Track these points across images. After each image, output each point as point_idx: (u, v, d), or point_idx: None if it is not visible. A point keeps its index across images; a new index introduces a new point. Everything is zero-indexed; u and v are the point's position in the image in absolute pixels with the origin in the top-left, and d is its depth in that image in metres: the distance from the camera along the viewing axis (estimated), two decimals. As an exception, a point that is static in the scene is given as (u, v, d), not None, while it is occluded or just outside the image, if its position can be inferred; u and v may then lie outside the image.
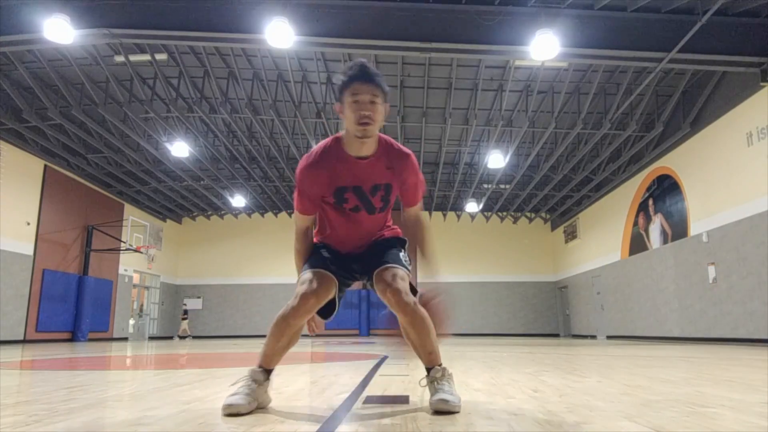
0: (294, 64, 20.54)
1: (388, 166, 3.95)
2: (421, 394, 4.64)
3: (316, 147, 3.99)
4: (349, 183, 3.92)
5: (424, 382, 3.91)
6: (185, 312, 39.25)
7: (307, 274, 3.98)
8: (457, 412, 3.52)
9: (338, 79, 3.83)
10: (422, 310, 3.88)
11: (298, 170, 3.99)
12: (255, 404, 3.80)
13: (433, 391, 3.74)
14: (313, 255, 4.18)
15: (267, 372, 4.06)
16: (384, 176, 3.96)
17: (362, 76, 3.73)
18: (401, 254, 4.16)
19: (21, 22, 16.00)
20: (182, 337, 37.32)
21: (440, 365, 3.88)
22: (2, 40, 16.56)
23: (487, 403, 4.01)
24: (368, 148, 3.87)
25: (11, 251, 24.17)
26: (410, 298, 3.84)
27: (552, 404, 3.94)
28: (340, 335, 37.63)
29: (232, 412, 3.59)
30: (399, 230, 4.37)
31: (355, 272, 4.23)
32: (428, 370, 3.92)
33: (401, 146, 4.03)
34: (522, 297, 40.80)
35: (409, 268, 4.14)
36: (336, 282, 4.06)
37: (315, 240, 4.34)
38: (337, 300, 4.15)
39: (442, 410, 3.50)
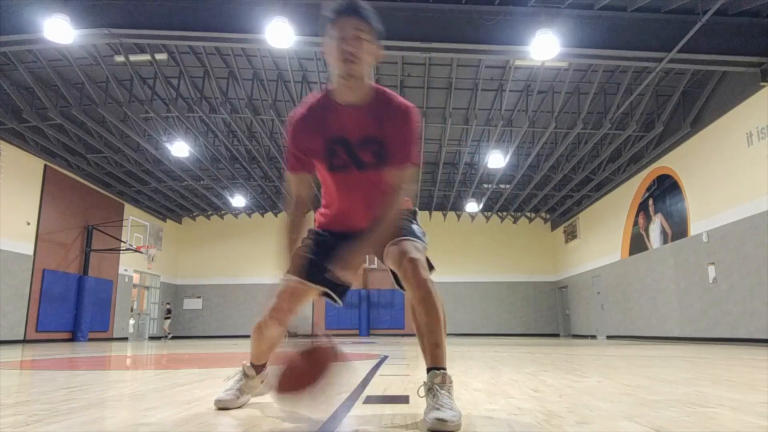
0: (294, 64, 20.54)
1: (378, 117, 3.65)
2: (423, 395, 4.63)
3: (306, 98, 3.83)
4: (336, 132, 3.65)
5: (422, 391, 3.39)
6: (168, 311, 39.15)
7: (283, 286, 3.77)
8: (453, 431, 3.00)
9: (324, 15, 3.56)
10: (437, 292, 3.40)
11: (288, 123, 3.82)
12: (246, 398, 3.89)
13: (431, 403, 3.22)
14: (296, 255, 3.83)
15: (259, 366, 4.06)
16: (375, 128, 3.63)
17: (347, 9, 3.52)
18: (414, 226, 3.79)
19: (21, 22, 16.00)
20: (164, 337, 37.28)
21: (443, 368, 3.37)
22: (2, 40, 16.55)
23: (487, 403, 4.00)
24: (357, 95, 3.65)
25: (11, 251, 24.17)
26: (427, 273, 3.45)
27: (552, 404, 3.94)
28: (340, 335, 37.62)
29: (221, 407, 3.69)
30: (410, 203, 3.92)
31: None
32: (428, 371, 3.42)
33: (403, 100, 3.76)
34: (522, 297, 40.80)
35: (426, 242, 3.74)
36: (315, 288, 3.81)
37: (321, 220, 4.11)
38: (338, 289, 3.88)
39: (438, 430, 2.97)
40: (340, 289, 3.88)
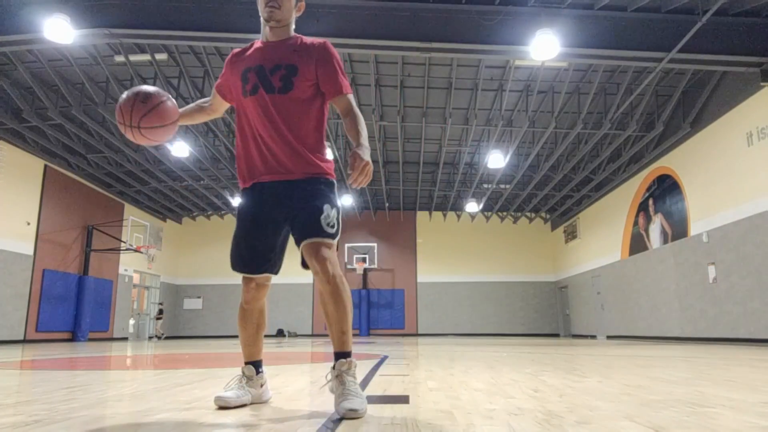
0: (294, 64, 20.52)
1: (296, 49, 4.00)
2: (421, 395, 4.63)
3: None
4: (253, 63, 4.01)
5: (330, 376, 3.79)
6: (160, 312, 39.12)
7: (242, 279, 4.26)
8: (362, 417, 3.40)
9: None
10: (346, 286, 3.80)
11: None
12: (247, 397, 3.99)
13: (340, 391, 3.59)
14: (233, 246, 4.13)
15: (254, 365, 4.24)
16: (288, 57, 3.96)
17: None
18: (324, 215, 3.84)
19: (21, 22, 16.01)
20: (158, 337, 37.25)
21: (349, 354, 3.77)
22: (2, 40, 16.57)
23: (487, 403, 4.00)
24: (278, 35, 4.08)
25: (11, 251, 24.18)
26: (336, 270, 3.76)
27: (552, 404, 3.94)
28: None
29: (221, 405, 3.84)
30: (329, 164, 4.05)
31: (281, 223, 4.01)
32: (336, 356, 3.79)
33: (317, 39, 4.07)
34: (522, 297, 40.81)
35: (336, 229, 3.88)
36: (267, 266, 4.17)
37: (242, 166, 4.11)
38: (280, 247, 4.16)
39: (350, 418, 3.36)
40: (275, 266, 4.25)
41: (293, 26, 4.18)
